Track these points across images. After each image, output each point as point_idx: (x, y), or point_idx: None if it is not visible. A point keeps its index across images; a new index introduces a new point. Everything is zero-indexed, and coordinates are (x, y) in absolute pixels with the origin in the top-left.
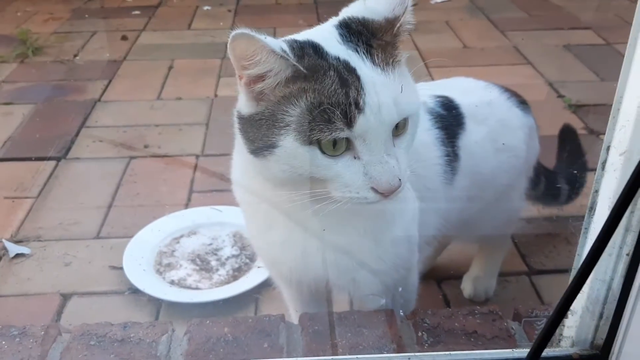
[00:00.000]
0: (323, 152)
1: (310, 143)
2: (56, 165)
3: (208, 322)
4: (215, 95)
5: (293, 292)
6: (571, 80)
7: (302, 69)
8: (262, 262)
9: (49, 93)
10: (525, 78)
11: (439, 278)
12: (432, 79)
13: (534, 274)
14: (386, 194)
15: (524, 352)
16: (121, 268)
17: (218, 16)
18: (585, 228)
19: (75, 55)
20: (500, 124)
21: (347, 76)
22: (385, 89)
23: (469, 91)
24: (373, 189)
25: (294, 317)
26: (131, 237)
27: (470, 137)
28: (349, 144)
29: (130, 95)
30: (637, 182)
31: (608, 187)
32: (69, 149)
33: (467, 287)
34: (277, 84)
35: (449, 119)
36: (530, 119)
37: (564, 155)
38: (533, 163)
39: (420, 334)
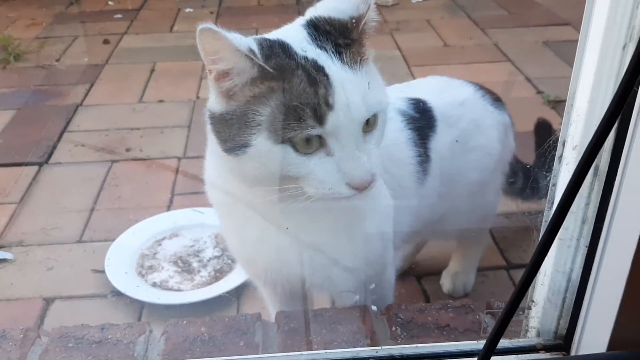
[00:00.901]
0: (296, 150)
1: (283, 142)
2: (38, 171)
3: (185, 322)
4: (197, 97)
5: (269, 291)
6: (550, 76)
7: (268, 68)
8: (238, 262)
9: (31, 98)
10: (505, 75)
11: (419, 274)
12: (414, 77)
13: (513, 268)
14: (360, 188)
15: None
16: (103, 271)
17: (200, 18)
18: (546, 221)
19: (57, 60)
20: (473, 125)
21: (316, 75)
22: (353, 87)
23: (443, 91)
24: (347, 184)
25: (273, 316)
26: (113, 240)
27: (442, 139)
28: (321, 142)
29: (112, 98)
30: (582, 174)
31: (564, 180)
32: (50, 154)
33: (446, 282)
34: (245, 82)
35: (421, 121)
36: (504, 117)
37: (540, 149)
38: (508, 159)
39: (394, 328)
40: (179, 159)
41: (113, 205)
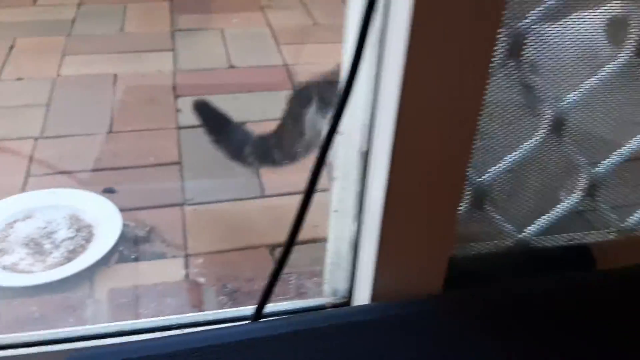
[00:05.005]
0: None
1: None
2: None
3: (15, 302)
4: (58, 75)
5: None
6: None
7: None
8: None
9: None
10: None
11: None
12: (282, 56)
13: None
14: None
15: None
16: None
17: None
18: None
19: None
20: None
21: None
22: None
23: None
24: None
25: None
26: None
27: None
28: None
29: None
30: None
31: None
32: None
33: None
34: None
35: None
36: None
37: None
38: None
39: (220, 298)
40: (36, 139)
41: None
